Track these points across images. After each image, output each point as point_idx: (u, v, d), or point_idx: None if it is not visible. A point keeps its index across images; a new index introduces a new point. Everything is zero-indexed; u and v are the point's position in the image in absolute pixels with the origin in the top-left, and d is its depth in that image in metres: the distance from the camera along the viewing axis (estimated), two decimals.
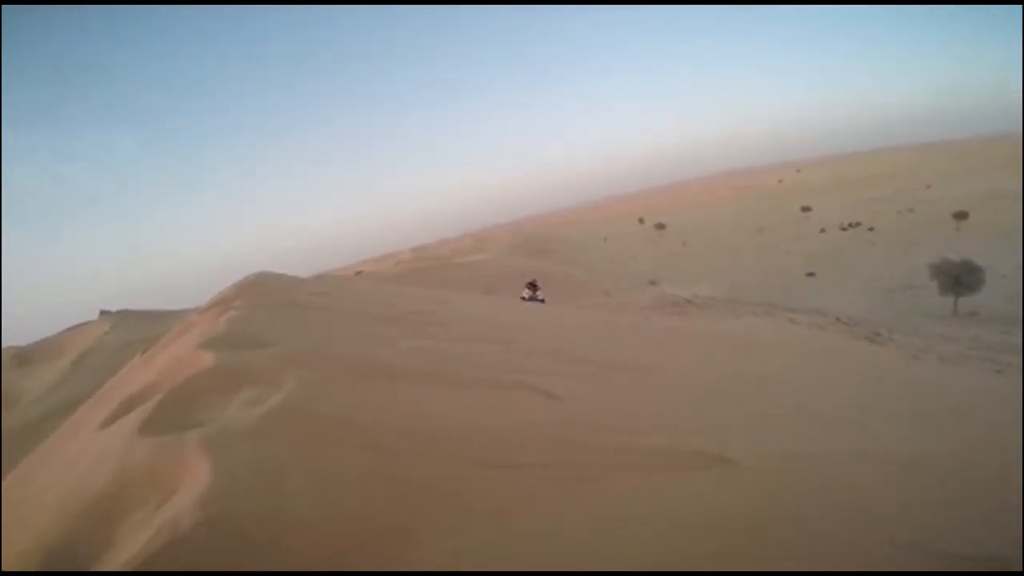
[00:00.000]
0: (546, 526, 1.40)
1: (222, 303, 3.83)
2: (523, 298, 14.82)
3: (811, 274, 40.24)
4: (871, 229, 54.03)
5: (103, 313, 16.48)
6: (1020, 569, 1.47)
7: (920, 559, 1.45)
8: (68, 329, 15.65)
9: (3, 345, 13.98)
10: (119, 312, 16.41)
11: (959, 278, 27.55)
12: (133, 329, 13.20)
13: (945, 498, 1.84)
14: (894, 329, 21.65)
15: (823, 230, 57.17)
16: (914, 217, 57.20)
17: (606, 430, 2.02)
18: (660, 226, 76.95)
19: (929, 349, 16.25)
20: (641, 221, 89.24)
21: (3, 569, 1.24)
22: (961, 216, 50.37)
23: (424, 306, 5.10)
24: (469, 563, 1.24)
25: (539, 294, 15.43)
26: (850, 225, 57.58)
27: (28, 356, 13.23)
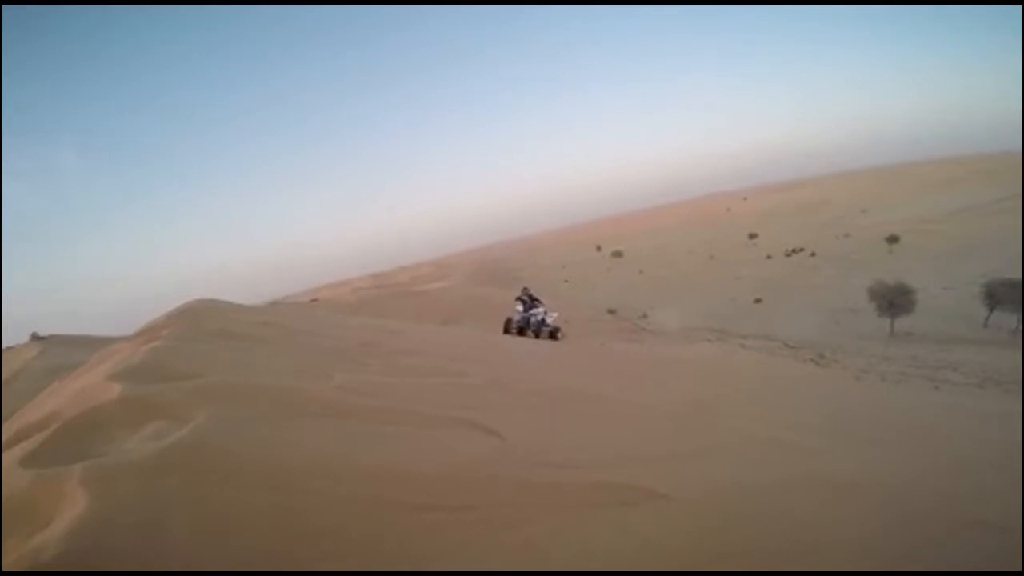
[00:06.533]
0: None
1: (150, 331, 3.60)
2: (515, 321, 10.68)
3: (758, 300, 41.85)
4: (813, 254, 57.02)
5: (34, 337, 15.63)
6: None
7: None
8: None
9: None
10: (50, 337, 15.54)
11: (893, 300, 29.33)
12: (62, 355, 12.41)
13: (882, 524, 1.82)
14: (837, 350, 22.69)
15: (769, 256, 59.89)
16: (851, 241, 60.80)
17: (543, 467, 1.94)
18: (617, 254, 78.56)
19: (871, 369, 17.06)
20: (599, 249, 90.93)
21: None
22: (893, 240, 53.95)
23: (372, 336, 4.92)
24: None
25: (539, 310, 10.66)
26: (793, 251, 60.63)
27: None
